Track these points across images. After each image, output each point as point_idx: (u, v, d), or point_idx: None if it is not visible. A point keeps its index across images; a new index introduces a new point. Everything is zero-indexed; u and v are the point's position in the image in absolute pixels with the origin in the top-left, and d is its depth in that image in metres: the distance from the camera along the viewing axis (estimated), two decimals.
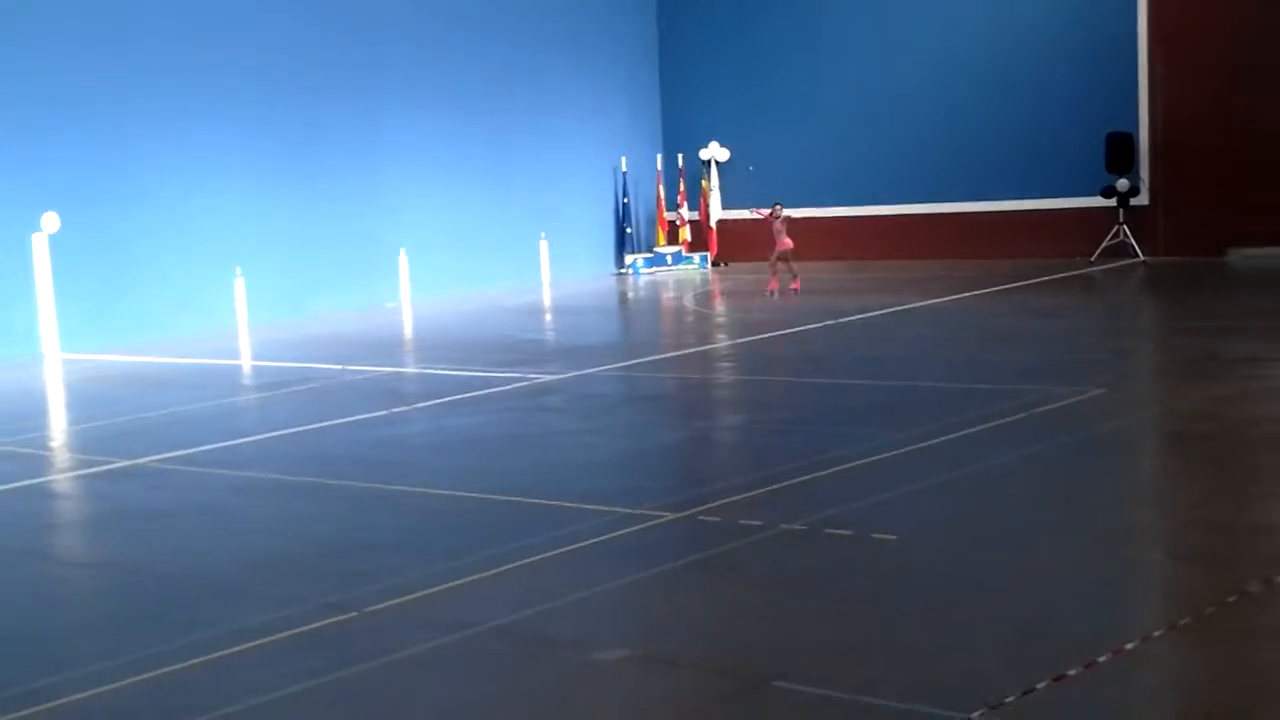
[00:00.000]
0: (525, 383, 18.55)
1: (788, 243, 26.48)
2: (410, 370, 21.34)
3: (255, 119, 27.65)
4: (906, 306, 23.98)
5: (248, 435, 16.14)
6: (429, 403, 17.65)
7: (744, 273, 32.25)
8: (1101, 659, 7.61)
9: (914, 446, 13.19)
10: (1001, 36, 30.66)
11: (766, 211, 27.09)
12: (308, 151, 28.56)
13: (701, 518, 11.29)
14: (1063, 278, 26.98)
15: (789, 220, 26.76)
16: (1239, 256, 28.19)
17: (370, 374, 20.29)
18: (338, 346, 23.37)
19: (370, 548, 11.18)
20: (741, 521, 11.03)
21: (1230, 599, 8.51)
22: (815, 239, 33.16)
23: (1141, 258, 29.00)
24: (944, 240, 31.43)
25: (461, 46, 31.06)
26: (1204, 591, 8.79)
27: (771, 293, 26.49)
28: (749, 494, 11.91)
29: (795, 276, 26.82)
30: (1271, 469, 12.30)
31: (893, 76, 32.00)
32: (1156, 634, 8.12)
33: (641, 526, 11.14)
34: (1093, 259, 29.22)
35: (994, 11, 30.77)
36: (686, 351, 21.49)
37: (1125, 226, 29.35)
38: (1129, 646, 7.82)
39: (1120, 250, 29.30)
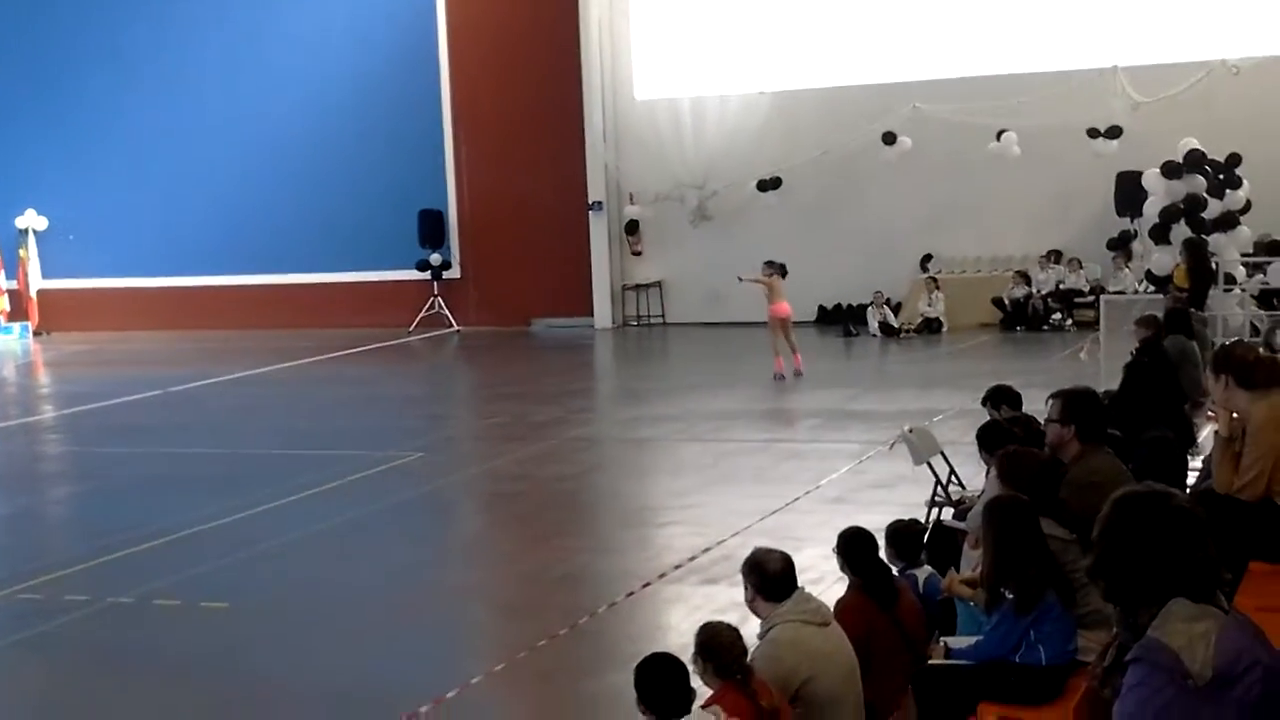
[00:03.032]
0: None
1: (785, 308, 20.75)
2: None
3: None
4: (233, 376, 24.00)
5: None
6: None
7: (69, 343, 31.12)
8: (423, 709, 8.14)
9: (243, 514, 13.36)
10: (314, 119, 31.21)
11: (760, 275, 21.10)
12: None
13: (23, 595, 11.00)
14: (383, 347, 27.86)
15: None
16: (541, 326, 30.13)
17: None
18: None
19: None
20: (67, 597, 10.84)
21: (540, 643, 9.30)
22: (142, 309, 32.49)
23: (456, 327, 30.37)
24: (269, 311, 31.61)
25: None
26: (517, 638, 9.53)
27: (780, 376, 20.60)
28: (75, 568, 11.71)
29: (796, 349, 20.95)
30: (575, 522, 13.40)
31: (213, 152, 31.88)
32: (474, 681, 8.75)
33: None
34: (411, 329, 30.31)
35: (311, 97, 31.29)
36: (7, 424, 20.59)
37: (440, 298, 30.66)
38: (450, 695, 8.40)
39: (436, 320, 30.57)
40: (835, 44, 27.81)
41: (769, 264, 20.97)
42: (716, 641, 5.89)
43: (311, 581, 11.44)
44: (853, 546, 7.18)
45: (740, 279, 21.73)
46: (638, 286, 29.77)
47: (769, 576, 6.47)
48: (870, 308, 26.28)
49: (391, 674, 9.08)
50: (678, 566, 10.90)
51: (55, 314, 33.06)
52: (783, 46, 28.02)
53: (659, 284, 29.63)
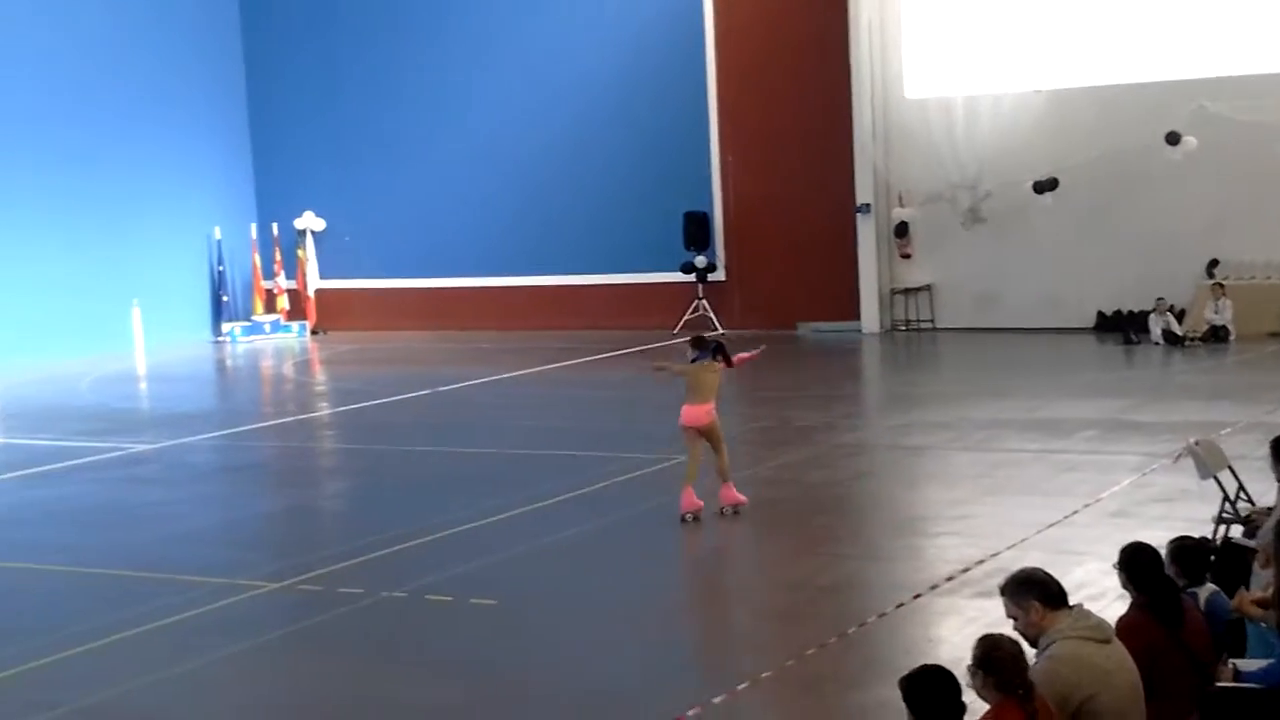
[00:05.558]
0: (118, 452, 18.05)
1: (700, 413, 13.04)
2: None
3: None
4: (499, 377, 24.39)
5: None
6: (14, 474, 16.94)
7: (343, 342, 32.13)
8: (691, 713, 8.07)
9: (510, 513, 13.52)
10: (580, 120, 31.48)
11: (674, 364, 14.06)
12: None
13: (302, 587, 11.32)
14: (647, 349, 27.99)
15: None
16: (807, 330, 29.89)
17: None
18: None
19: None
20: (342, 590, 11.12)
21: (809, 651, 9.14)
22: (411, 309, 33.34)
23: (720, 330, 30.32)
24: (533, 312, 32.07)
25: (48, 110, 29.95)
26: (785, 646, 9.40)
27: (687, 517, 13.03)
28: (350, 562, 12.00)
29: (727, 474, 13.31)
30: (842, 529, 13.17)
31: (481, 155, 32.46)
32: (741, 688, 8.65)
33: (241, 597, 11.09)
34: (675, 331, 30.36)
35: (577, 99, 31.61)
36: (287, 420, 21.32)
37: (704, 300, 30.66)
38: (716, 701, 8.32)
39: (700, 323, 30.54)
40: (1114, 40, 26.92)
41: (695, 343, 13.57)
42: (999, 654, 5.66)
43: (578, 581, 11.50)
44: (1136, 562, 6.88)
45: (657, 369, 14.45)
46: (906, 290, 29.27)
47: (1050, 585, 6.25)
48: (1152, 315, 25.34)
49: (657, 676, 9.05)
50: (950, 578, 10.63)
51: (330, 313, 34.15)
52: (1058, 43, 27.25)
53: (929, 288, 29.09)
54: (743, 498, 13.17)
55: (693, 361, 13.29)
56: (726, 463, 13.18)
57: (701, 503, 12.94)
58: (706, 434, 13.04)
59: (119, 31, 31.68)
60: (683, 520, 12.90)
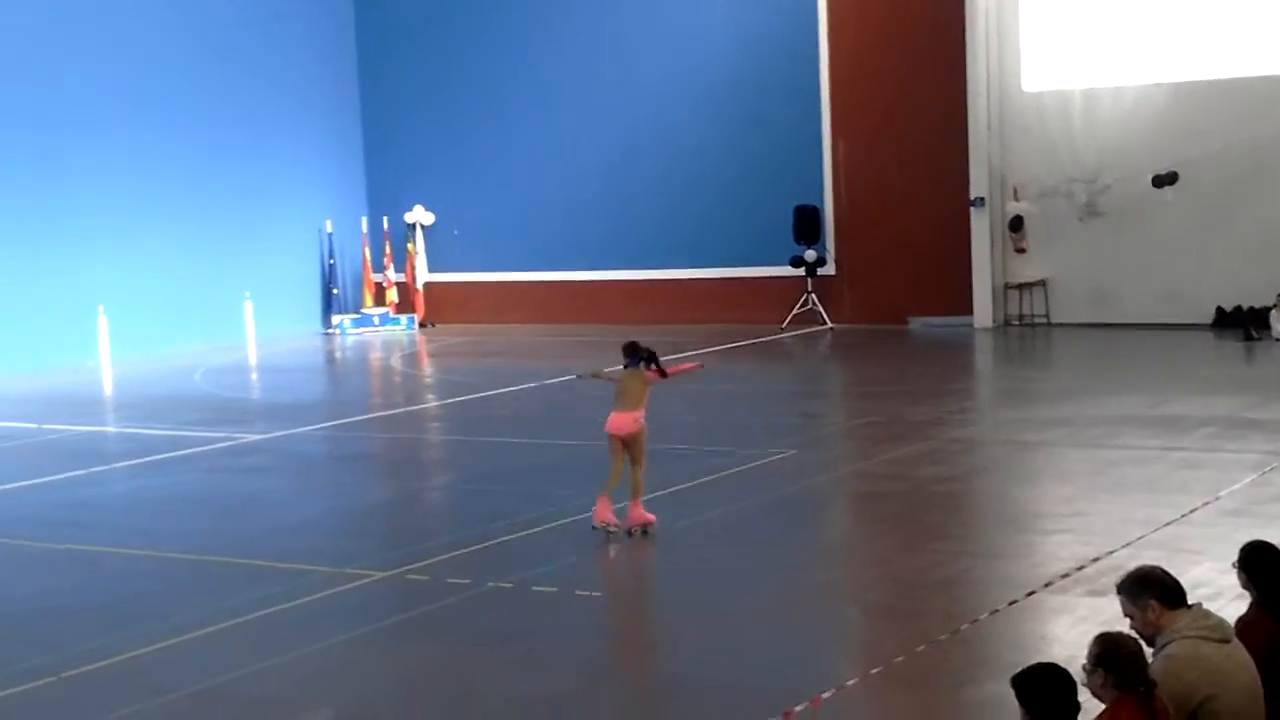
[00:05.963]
0: (230, 442, 18.27)
1: (629, 422, 12.72)
2: (111, 429, 20.75)
3: None
4: (606, 370, 24.30)
5: None
6: (130, 462, 17.24)
7: (451, 335, 32.33)
8: (799, 708, 7.96)
9: (617, 505, 13.38)
10: (690, 113, 31.40)
11: (606, 371, 14.35)
12: None
13: (410, 576, 11.37)
14: (755, 343, 27.85)
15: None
16: (919, 324, 29.58)
17: (68, 433, 19.67)
18: (34, 405, 22.49)
19: (69, 611, 10.91)
20: (450, 580, 11.14)
21: (919, 648, 9.00)
22: (518, 302, 33.48)
23: (829, 325, 30.11)
24: (640, 306, 31.97)
25: (161, 102, 30.39)
26: (894, 642, 9.27)
27: (606, 529, 12.36)
28: (457, 552, 12.03)
29: (639, 492, 12.61)
30: (953, 526, 13.00)
31: (594, 148, 32.49)
32: (850, 683, 8.53)
33: (350, 586, 11.16)
34: (783, 325, 30.21)
35: (687, 91, 31.47)
36: (394, 411, 21.46)
37: (814, 295, 30.42)
38: (825, 696, 8.20)
39: (809, 317, 30.36)
40: (1237, 32, 26.33)
41: (627, 350, 13.09)
42: (1122, 651, 5.52)
43: (683, 574, 11.44)
44: (1256, 561, 6.70)
45: (592, 376, 14.42)
46: (1021, 285, 28.88)
47: (1169, 583, 6.12)
48: (1273, 310, 24.78)
49: (764, 671, 8.96)
50: (1064, 576, 10.44)
51: (439, 306, 34.37)
52: (1181, 35, 26.72)
53: (1043, 282, 28.67)
54: (651, 517, 12.49)
55: (624, 368, 12.92)
56: (641, 480, 12.52)
57: (616, 519, 12.31)
58: (630, 443, 12.54)
59: (235, 28, 32.05)
60: (593, 528, 12.27)
